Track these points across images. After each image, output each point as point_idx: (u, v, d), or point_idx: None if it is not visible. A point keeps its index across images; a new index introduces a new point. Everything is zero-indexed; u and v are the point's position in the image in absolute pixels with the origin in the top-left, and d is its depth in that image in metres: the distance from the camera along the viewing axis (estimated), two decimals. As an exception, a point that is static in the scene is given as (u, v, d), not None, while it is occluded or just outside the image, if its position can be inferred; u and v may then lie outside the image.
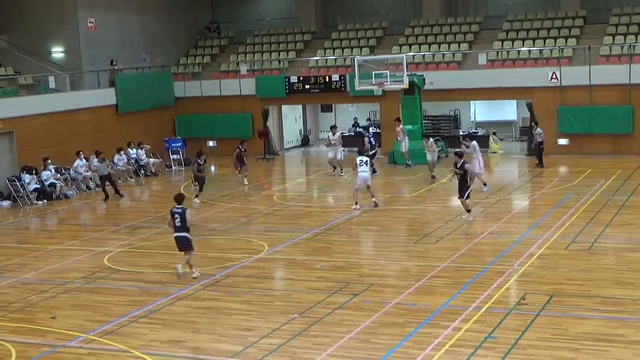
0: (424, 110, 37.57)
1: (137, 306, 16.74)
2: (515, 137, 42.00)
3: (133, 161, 36.28)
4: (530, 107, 36.80)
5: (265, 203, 28.01)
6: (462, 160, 23.01)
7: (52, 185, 31.62)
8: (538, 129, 33.01)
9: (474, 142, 28.93)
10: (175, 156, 38.95)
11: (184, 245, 18.42)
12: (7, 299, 17.85)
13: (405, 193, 29.27)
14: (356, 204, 25.91)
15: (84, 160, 33.28)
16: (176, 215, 18.32)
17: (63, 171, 32.84)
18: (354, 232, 23.32)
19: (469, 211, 23.21)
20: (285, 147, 43.61)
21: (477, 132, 40.02)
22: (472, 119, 43.31)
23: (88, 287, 18.60)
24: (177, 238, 18.45)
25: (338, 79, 39.36)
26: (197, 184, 28.57)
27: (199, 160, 28.43)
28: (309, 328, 14.84)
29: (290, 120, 44.78)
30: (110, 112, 37.85)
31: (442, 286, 17.05)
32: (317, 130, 47.64)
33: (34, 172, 31.55)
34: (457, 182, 23.38)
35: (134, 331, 15.26)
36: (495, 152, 37.84)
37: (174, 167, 38.47)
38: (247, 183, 31.81)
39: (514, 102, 41.55)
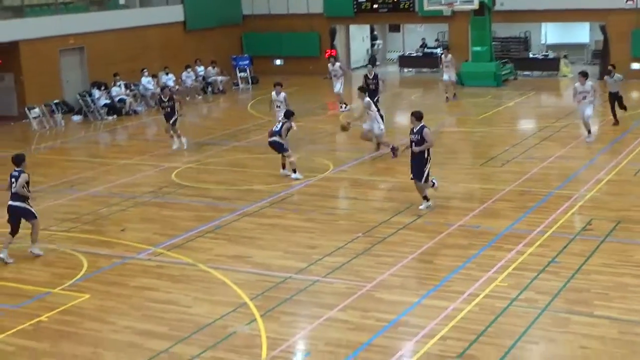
0: (493, 32, 36.82)
1: (203, 221, 17.02)
2: (587, 61, 40.99)
3: (201, 79, 36.47)
4: (603, 29, 35.88)
5: (331, 122, 27.96)
6: (421, 123, 16.69)
7: (122, 101, 32.06)
8: (617, 74, 25.80)
9: (368, 99, 22.51)
10: (242, 74, 38.98)
11: (21, 215, 15.21)
12: (79, 211, 18.30)
13: (471, 115, 28.94)
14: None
15: (150, 77, 33.60)
16: (12, 180, 15.13)
17: (132, 87, 33.21)
18: (419, 153, 23.16)
19: (426, 198, 17.14)
20: (352, 66, 43.28)
21: (547, 55, 39.20)
22: (543, 42, 42.42)
23: (156, 201, 18.94)
24: (10, 207, 15.17)
25: (407, -1, 38.78)
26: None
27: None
28: (372, 247, 14.94)
29: (358, 40, 44.34)
30: (179, 29, 37.94)
31: (506, 209, 16.96)
32: (385, 50, 47.17)
33: (103, 87, 31.97)
34: (410, 153, 16.96)
35: (201, 245, 15.56)
36: (566, 76, 37.02)
37: (241, 85, 38.55)
38: (176, 146, 24.46)
39: (586, 25, 40.48)
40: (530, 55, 40.12)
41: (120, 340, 11.62)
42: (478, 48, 35.08)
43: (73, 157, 24.61)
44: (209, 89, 36.64)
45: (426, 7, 35.14)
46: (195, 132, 27.12)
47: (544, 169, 20.21)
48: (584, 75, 23.19)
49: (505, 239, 15.03)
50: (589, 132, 23.06)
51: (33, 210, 15.28)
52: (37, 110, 30.06)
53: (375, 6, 39.49)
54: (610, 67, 26.21)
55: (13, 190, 15.06)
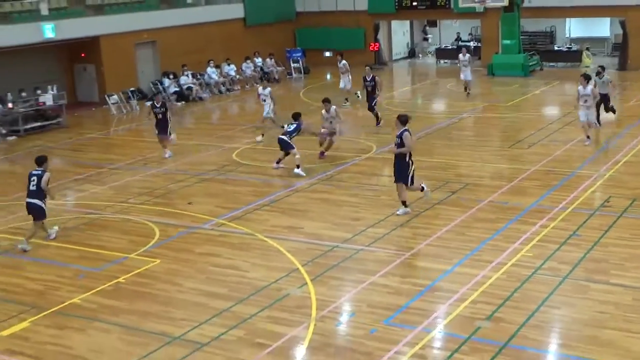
0: (521, 27, 36.31)
1: (260, 196, 17.10)
2: (608, 53, 40.28)
3: (259, 69, 36.54)
4: (623, 24, 35.17)
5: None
6: (404, 127, 15.01)
7: (189, 88, 32.27)
8: (606, 76, 22.68)
9: (334, 107, 20.42)
10: (295, 65, 39.00)
11: (36, 213, 14.43)
12: (151, 186, 18.51)
13: (501, 102, 28.60)
14: (262, 135, 22.89)
15: (214, 68, 33.78)
16: (33, 178, 14.42)
17: (198, 76, 33.40)
18: (453, 136, 23.01)
19: (404, 204, 15.30)
20: (393, 58, 43.07)
21: (570, 48, 38.57)
22: (567, 35, 41.73)
23: (219, 178, 19.06)
24: (28, 204, 14.45)
25: (443, -4, 38.43)
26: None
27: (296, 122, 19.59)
28: (410, 220, 14.89)
29: (399, 34, 44.09)
30: (239, 25, 38.01)
31: (532, 187, 16.76)
32: (423, 43, 46.80)
33: (172, 77, 32.22)
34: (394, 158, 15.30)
35: (258, 217, 15.63)
36: (588, 67, 36.33)
37: (294, 75, 38.57)
38: (167, 156, 21.41)
39: (607, 20, 39.68)
40: (555, 48, 39.56)
41: (188, 300, 11.76)
42: (507, 41, 34.68)
43: (146, 138, 24.81)
44: (266, 78, 36.68)
45: (461, 4, 34.83)
46: (253, 116, 27.16)
47: (566, 151, 19.91)
48: (586, 78, 20.37)
49: (531, 214, 14.87)
50: (588, 137, 20.37)
51: (45, 211, 14.48)
52: (115, 97, 30.42)
53: (414, 3, 39.14)
54: (599, 69, 22.85)
55: (31, 188, 14.33)
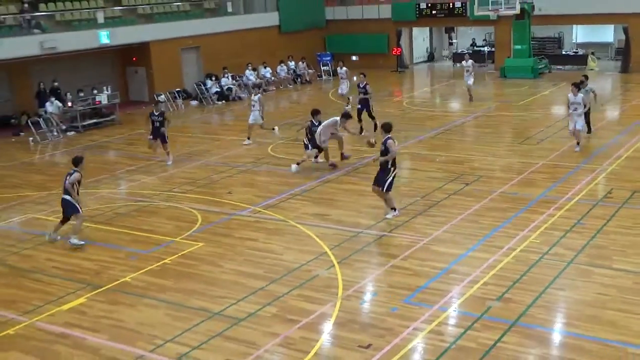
0: (532, 33, 35.95)
1: (292, 186, 17.11)
2: (611, 57, 39.70)
3: (292, 71, 36.54)
4: (625, 30, 34.69)
5: (396, 107, 27.74)
6: (387, 135, 14.10)
7: (229, 89, 32.38)
8: (588, 86, 20.27)
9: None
10: (325, 68, 38.94)
11: (68, 208, 13.77)
12: (195, 177, 18.60)
13: (512, 102, 28.33)
14: (248, 138, 22.31)
15: (252, 70, 33.85)
16: (67, 176, 13.80)
17: (237, 78, 33.49)
18: (468, 132, 22.86)
19: (394, 209, 14.47)
20: (414, 62, 42.86)
21: (577, 52, 38.10)
22: (574, 41, 41.19)
23: (255, 170, 19.12)
24: (61, 199, 13.92)
25: (460, 5, 38.17)
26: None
27: (313, 121, 18.69)
28: (428, 209, 14.83)
29: (419, 40, 43.88)
30: (275, 31, 38.01)
31: (540, 180, 16.61)
32: (441, 48, 46.51)
33: (214, 78, 32.34)
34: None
35: (290, 205, 15.66)
36: (593, 70, 35.95)
37: (324, 77, 38.53)
38: (169, 163, 20.16)
39: (611, 26, 39.12)
40: (563, 52, 39.19)
41: (227, 280, 11.81)
42: (519, 46, 34.44)
43: (191, 134, 24.96)
44: (298, 79, 36.74)
45: (476, 12, 34.67)
46: (286, 114, 27.21)
47: (572, 147, 19.64)
48: (577, 86, 18.94)
49: (539, 204, 14.73)
50: (578, 143, 19.14)
51: (77, 205, 13.70)
52: (163, 96, 30.57)
53: (434, 12, 39.03)
54: (582, 78, 20.36)
55: (65, 185, 13.72)
